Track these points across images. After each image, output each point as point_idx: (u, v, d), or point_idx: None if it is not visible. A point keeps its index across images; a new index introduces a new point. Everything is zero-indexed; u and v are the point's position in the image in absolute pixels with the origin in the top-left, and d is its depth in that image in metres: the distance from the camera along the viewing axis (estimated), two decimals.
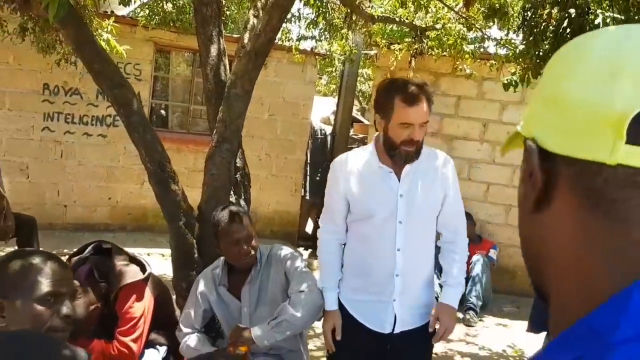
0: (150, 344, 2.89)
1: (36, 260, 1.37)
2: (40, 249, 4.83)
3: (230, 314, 2.78)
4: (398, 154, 2.27)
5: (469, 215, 6.17)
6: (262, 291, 2.71)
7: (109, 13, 5.82)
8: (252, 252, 2.64)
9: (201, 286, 2.80)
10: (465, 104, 6.44)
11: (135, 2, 5.04)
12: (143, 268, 2.80)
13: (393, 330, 2.38)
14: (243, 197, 3.57)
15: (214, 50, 3.52)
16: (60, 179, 6.75)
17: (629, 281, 0.49)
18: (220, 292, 2.76)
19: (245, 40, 3.39)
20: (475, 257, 5.71)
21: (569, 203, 0.54)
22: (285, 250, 2.78)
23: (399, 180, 2.35)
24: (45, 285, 1.34)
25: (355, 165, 2.40)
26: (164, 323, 2.98)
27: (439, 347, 4.67)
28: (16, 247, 4.65)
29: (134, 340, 2.67)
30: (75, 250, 2.92)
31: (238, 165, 3.52)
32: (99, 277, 2.71)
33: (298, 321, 2.53)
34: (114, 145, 6.91)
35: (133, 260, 2.83)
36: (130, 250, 2.93)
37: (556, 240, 0.56)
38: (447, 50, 5.11)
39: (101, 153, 6.89)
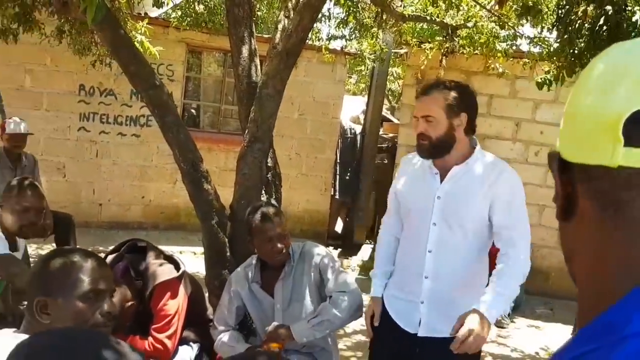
0: (183, 341, 2.94)
1: (77, 258, 1.40)
2: (77, 246, 4.94)
3: (263, 311, 2.82)
4: (417, 147, 2.30)
5: None
6: (295, 288, 2.74)
7: (143, 15, 5.93)
8: (285, 250, 2.68)
9: (234, 283, 2.84)
10: (497, 103, 6.36)
11: (168, 3, 5.12)
12: (177, 266, 2.85)
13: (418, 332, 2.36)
14: (274, 197, 3.60)
15: (245, 50, 3.55)
16: (95, 178, 6.90)
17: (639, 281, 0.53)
18: (253, 289, 2.80)
19: (277, 41, 3.42)
20: None
21: (586, 209, 0.57)
22: (319, 249, 2.82)
23: (441, 181, 2.31)
24: (86, 282, 1.37)
25: (415, 163, 2.41)
26: (197, 321, 3.03)
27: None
28: (54, 244, 4.77)
29: (169, 337, 2.72)
30: (111, 248, 2.99)
31: (269, 164, 3.55)
32: (134, 274, 2.77)
33: (339, 321, 2.62)
34: (147, 145, 7.03)
35: (167, 258, 2.88)
36: (162, 248, 2.99)
37: (578, 245, 0.59)
38: (479, 48, 5.06)
39: (135, 152, 7.02)
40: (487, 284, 2.33)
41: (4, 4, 4.37)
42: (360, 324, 4.87)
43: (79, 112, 6.75)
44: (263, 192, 3.54)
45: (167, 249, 3.02)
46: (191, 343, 2.99)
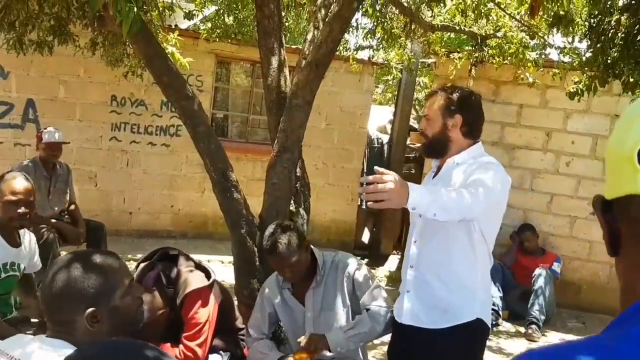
0: (214, 350, 2.96)
1: (101, 259, 1.44)
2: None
3: (294, 319, 2.83)
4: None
5: (531, 227, 6.07)
6: (326, 297, 2.75)
7: (173, 27, 6.03)
8: (295, 275, 2.72)
9: (267, 290, 2.88)
10: (527, 113, 6.29)
11: (198, 15, 5.20)
12: (208, 275, 2.87)
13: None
14: (303, 206, 3.61)
15: (275, 61, 3.58)
16: (126, 187, 7.01)
17: None
18: (285, 296, 2.83)
19: (306, 52, 3.44)
20: (537, 270, 5.55)
21: (627, 240, 0.65)
22: (353, 260, 2.84)
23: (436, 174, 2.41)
24: (124, 279, 1.44)
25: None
26: (226, 329, 3.05)
27: None
28: None
29: (199, 345, 2.74)
30: (143, 256, 3.03)
31: (298, 174, 3.57)
32: (166, 282, 2.81)
33: (375, 334, 2.67)
34: (176, 155, 7.12)
35: (198, 266, 2.91)
36: (191, 257, 3.02)
37: (632, 276, 0.66)
38: (509, 58, 5.02)
39: (164, 162, 7.12)
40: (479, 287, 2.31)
41: (40, 17, 4.49)
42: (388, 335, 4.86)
43: (111, 122, 6.88)
44: (292, 201, 3.56)
45: (195, 257, 3.05)
46: (221, 352, 3.01)
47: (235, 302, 3.42)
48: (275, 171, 3.38)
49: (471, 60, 5.52)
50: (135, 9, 2.32)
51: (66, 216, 4.88)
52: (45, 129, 4.86)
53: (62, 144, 4.76)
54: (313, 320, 2.77)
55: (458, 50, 5.60)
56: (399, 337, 2.49)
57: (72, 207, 4.94)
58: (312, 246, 2.80)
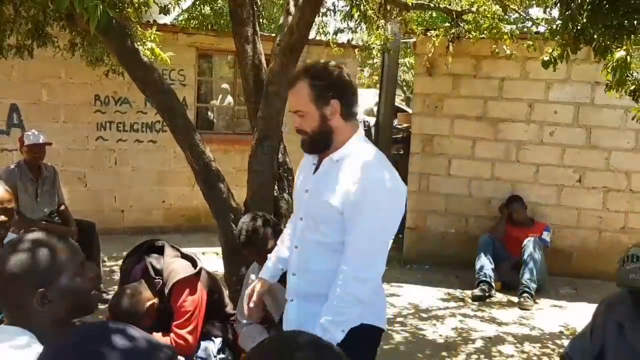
0: (206, 336, 3.02)
1: (46, 241, 1.43)
2: (95, 252, 5.06)
3: (278, 302, 2.87)
4: (300, 144, 2.13)
5: (519, 198, 6.13)
6: None
7: (152, 22, 6.02)
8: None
9: (252, 277, 2.91)
10: (509, 86, 6.33)
11: (174, 10, 5.19)
12: (194, 263, 2.93)
13: None
14: (287, 191, 3.66)
15: (250, 50, 3.62)
16: (116, 185, 7.04)
17: None
18: None
19: (279, 38, 3.47)
20: (527, 240, 5.63)
21: None
22: None
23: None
24: (74, 258, 1.44)
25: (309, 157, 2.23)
26: (217, 316, 3.11)
27: (489, 330, 4.66)
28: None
29: (190, 333, 2.80)
30: (130, 250, 3.08)
31: (280, 160, 3.61)
32: (154, 273, 2.86)
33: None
34: (164, 150, 7.14)
35: (184, 256, 2.97)
36: (186, 250, 3.07)
37: None
38: (485, 32, 5.04)
39: (152, 158, 7.14)
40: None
41: (17, 21, 4.49)
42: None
43: (96, 122, 6.90)
44: (276, 187, 3.61)
45: (190, 250, 3.10)
46: (213, 338, 3.07)
47: (226, 291, 3.48)
48: (257, 159, 3.42)
49: (448, 37, 5.54)
50: (101, 6, 2.33)
51: (56, 217, 4.91)
52: (27, 131, 4.88)
53: (44, 145, 4.77)
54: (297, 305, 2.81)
55: (435, 27, 5.61)
56: None
57: (62, 207, 4.96)
58: None
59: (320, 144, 2.07)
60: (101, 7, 2.33)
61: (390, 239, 2.07)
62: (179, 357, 2.71)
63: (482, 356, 4.21)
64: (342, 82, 2.07)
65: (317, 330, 1.95)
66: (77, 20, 2.91)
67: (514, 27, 5.09)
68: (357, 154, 2.03)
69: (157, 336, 2.73)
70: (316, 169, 2.12)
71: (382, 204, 1.96)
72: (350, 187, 1.96)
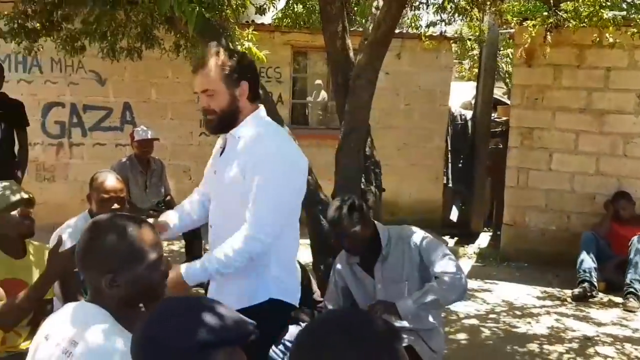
0: (294, 321, 3.15)
1: (131, 227, 1.49)
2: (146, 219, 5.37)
3: (365, 292, 2.94)
4: (205, 124, 2.22)
5: (626, 194, 5.78)
6: (395, 269, 2.83)
7: (250, 22, 6.29)
8: (355, 249, 2.84)
9: (338, 266, 3.01)
10: (615, 76, 5.97)
11: (270, 9, 5.40)
12: None
13: None
14: (374, 184, 3.71)
15: (339, 46, 3.70)
16: None
17: None
18: (354, 270, 2.94)
19: (368, 33, 3.53)
20: (634, 238, 5.30)
21: None
22: (418, 232, 2.88)
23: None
24: (150, 252, 1.50)
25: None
26: (306, 302, 3.23)
27: (587, 330, 4.46)
28: (183, 239, 5.25)
29: None
30: None
31: (367, 153, 3.67)
32: None
33: (444, 301, 2.71)
34: None
35: None
36: None
37: None
38: (585, 20, 4.79)
39: None
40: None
41: (128, 25, 4.88)
42: (474, 308, 4.86)
43: (199, 119, 7.29)
44: (363, 179, 3.67)
45: None
46: (301, 323, 3.20)
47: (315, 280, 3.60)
48: (344, 152, 3.51)
49: (546, 26, 5.31)
50: (198, 9, 2.52)
51: (163, 207, 5.29)
52: (137, 128, 5.29)
53: (152, 141, 5.15)
54: (384, 291, 2.86)
55: (533, 17, 5.40)
56: None
57: (168, 198, 5.34)
58: (376, 222, 2.89)
59: (227, 124, 2.14)
60: (197, 10, 2.50)
61: (290, 208, 2.16)
62: None
63: (577, 356, 4.04)
64: (251, 66, 2.19)
65: (197, 268, 2.06)
66: (177, 22, 3.14)
67: (617, 13, 4.78)
68: (253, 127, 2.13)
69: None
70: (223, 150, 2.22)
71: (276, 172, 2.06)
72: (247, 158, 2.06)
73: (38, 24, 4.92)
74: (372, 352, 0.93)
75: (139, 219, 1.56)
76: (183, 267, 2.09)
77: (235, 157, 2.12)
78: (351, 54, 3.78)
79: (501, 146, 8.00)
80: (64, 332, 1.43)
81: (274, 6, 5.27)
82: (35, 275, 2.51)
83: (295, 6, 5.29)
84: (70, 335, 1.40)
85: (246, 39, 5.47)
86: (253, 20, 6.49)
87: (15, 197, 2.45)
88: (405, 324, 2.80)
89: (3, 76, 5.15)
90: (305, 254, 4.73)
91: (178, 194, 5.90)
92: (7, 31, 4.84)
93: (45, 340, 1.45)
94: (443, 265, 2.70)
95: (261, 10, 5.16)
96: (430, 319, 2.91)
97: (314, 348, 0.97)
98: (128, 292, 1.47)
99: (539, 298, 5.28)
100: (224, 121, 2.14)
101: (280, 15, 5.65)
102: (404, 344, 2.80)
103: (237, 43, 5.23)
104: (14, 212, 2.45)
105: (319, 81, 8.18)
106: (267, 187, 2.05)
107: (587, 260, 5.42)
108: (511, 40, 8.82)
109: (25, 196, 2.48)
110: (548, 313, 4.88)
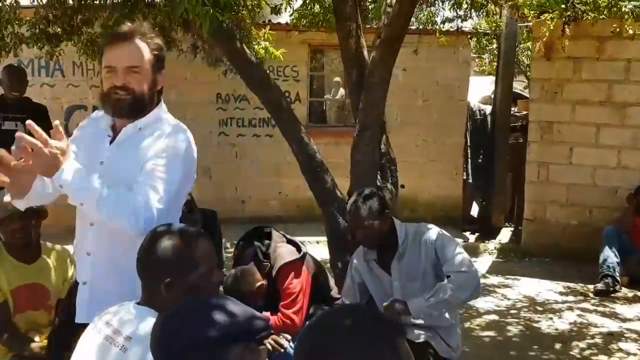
0: (312, 317, 3.19)
1: (191, 238, 1.59)
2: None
3: (382, 288, 2.96)
4: (114, 103, 1.93)
5: None
6: (411, 266, 2.84)
7: (266, 22, 6.34)
8: (372, 243, 2.85)
9: (355, 262, 3.03)
10: (636, 67, 5.88)
11: (286, 10, 5.44)
12: (299, 248, 3.11)
13: None
14: (390, 181, 3.72)
15: (353, 44, 3.71)
16: (237, 177, 7.51)
17: None
18: (371, 267, 2.96)
19: (380, 30, 3.54)
20: None
21: None
22: (435, 229, 2.89)
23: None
24: (204, 263, 1.58)
25: (99, 123, 2.09)
26: (322, 299, 3.27)
27: (610, 325, 4.41)
28: None
29: (295, 313, 2.98)
30: (241, 237, 3.33)
31: (383, 150, 3.68)
32: (262, 257, 3.09)
33: (456, 300, 2.70)
34: (280, 144, 7.39)
35: (290, 241, 3.16)
36: (300, 238, 3.27)
37: None
38: (604, 12, 4.72)
39: (270, 152, 7.51)
40: None
41: None
42: (495, 304, 4.85)
43: (218, 119, 7.39)
44: (379, 177, 3.69)
45: (305, 239, 3.29)
46: None
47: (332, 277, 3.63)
48: (359, 149, 3.52)
49: (563, 18, 5.24)
50: (211, 11, 2.55)
51: (184, 208, 5.35)
52: None
53: None
54: (401, 288, 2.88)
55: (550, 10, 5.34)
56: None
57: (188, 197, 5.40)
58: (393, 217, 2.91)
59: (137, 108, 1.96)
60: (211, 12, 2.54)
61: (180, 190, 2.02)
62: (286, 334, 2.92)
63: (599, 352, 4.00)
64: (164, 57, 2.06)
65: (84, 171, 1.79)
66: (191, 25, 3.19)
67: (636, 4, 4.70)
68: (158, 122, 1.99)
69: (266, 315, 2.94)
70: (113, 139, 2.01)
71: (176, 166, 1.95)
72: (150, 153, 1.91)
73: (59, 29, 5.03)
74: (373, 345, 0.95)
75: (198, 230, 1.66)
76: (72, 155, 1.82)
77: (136, 151, 1.94)
78: (365, 52, 3.79)
79: (521, 141, 7.93)
80: (120, 328, 1.51)
81: (289, 6, 5.29)
82: (52, 276, 2.58)
83: (313, 6, 5.31)
84: (127, 332, 1.49)
85: (262, 38, 5.54)
86: (270, 20, 6.55)
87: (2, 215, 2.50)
88: (421, 321, 2.82)
89: (26, 80, 5.27)
90: (322, 251, 4.77)
91: (199, 193, 5.96)
92: (30, 36, 4.95)
93: (97, 334, 1.53)
94: (455, 263, 2.70)
95: (276, 10, 5.19)
96: (447, 315, 2.91)
97: (317, 340, 1.00)
98: (181, 298, 1.52)
99: (560, 293, 5.24)
100: (136, 104, 1.94)
101: (297, 15, 5.67)
102: (421, 340, 2.82)
103: (253, 43, 5.31)
104: (5, 227, 2.54)
105: (337, 79, 8.20)
106: (168, 166, 1.92)
107: (610, 255, 5.36)
108: (530, 34, 8.74)
109: (9, 213, 2.45)
110: (570, 309, 4.85)
